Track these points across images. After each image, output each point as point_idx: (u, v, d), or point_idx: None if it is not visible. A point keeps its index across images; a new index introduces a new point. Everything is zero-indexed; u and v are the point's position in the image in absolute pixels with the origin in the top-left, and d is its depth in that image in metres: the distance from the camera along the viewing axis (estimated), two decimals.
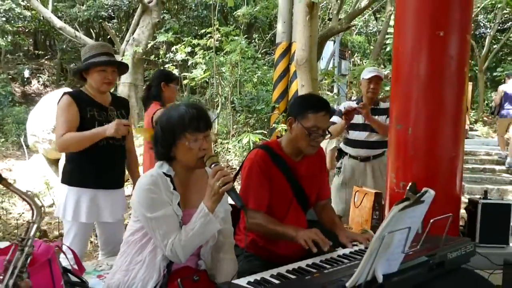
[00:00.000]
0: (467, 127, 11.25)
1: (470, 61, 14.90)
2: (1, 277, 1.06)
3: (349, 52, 18.24)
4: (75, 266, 1.70)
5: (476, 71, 14.38)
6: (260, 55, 11.92)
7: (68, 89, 7.75)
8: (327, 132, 2.06)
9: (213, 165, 1.61)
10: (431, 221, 1.64)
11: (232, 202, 1.69)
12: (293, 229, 1.92)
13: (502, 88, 8.50)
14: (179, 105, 1.71)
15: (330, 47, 14.07)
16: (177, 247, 1.55)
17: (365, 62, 14.04)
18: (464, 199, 3.20)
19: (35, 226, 1.13)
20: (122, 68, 2.61)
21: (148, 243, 1.65)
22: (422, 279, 1.58)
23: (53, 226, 5.10)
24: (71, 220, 2.42)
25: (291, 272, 1.53)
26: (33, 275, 1.20)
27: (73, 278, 1.72)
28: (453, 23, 2.66)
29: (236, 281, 1.42)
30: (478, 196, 2.93)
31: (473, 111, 13.56)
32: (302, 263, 1.63)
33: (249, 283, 1.41)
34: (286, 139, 2.14)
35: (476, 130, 12.40)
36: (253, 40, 14.11)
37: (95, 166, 2.43)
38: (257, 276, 1.47)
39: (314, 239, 1.77)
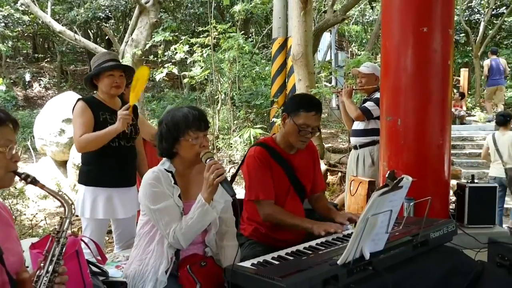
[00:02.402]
0: (464, 113, 11.44)
1: (466, 47, 15.00)
2: (42, 264, 1.26)
3: (347, 42, 18.36)
4: (98, 257, 1.89)
5: (472, 57, 14.49)
6: (257, 50, 12.06)
7: (73, 93, 7.95)
8: (317, 130, 2.22)
9: (207, 160, 1.79)
10: (411, 204, 1.83)
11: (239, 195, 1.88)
12: (309, 221, 2.10)
13: (486, 62, 10.20)
14: (182, 107, 1.91)
15: (327, 38, 14.20)
16: (179, 235, 1.73)
17: (362, 52, 14.14)
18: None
19: (68, 220, 1.32)
20: (128, 71, 2.78)
21: (156, 234, 1.84)
22: (407, 256, 1.76)
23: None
24: (89, 217, 2.61)
25: (290, 254, 1.72)
26: (64, 265, 1.39)
27: (94, 269, 1.92)
28: (436, 19, 2.83)
29: (241, 264, 1.61)
30: (465, 181, 3.10)
31: (470, 96, 13.69)
32: (300, 247, 1.82)
33: (253, 264, 1.60)
34: (279, 134, 2.32)
35: (474, 116, 12.51)
36: (250, 35, 14.23)
37: (109, 167, 2.62)
38: (260, 259, 1.66)
39: (329, 231, 1.94)
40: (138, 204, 2.73)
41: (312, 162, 2.41)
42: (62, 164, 7.25)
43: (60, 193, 1.36)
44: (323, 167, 6.75)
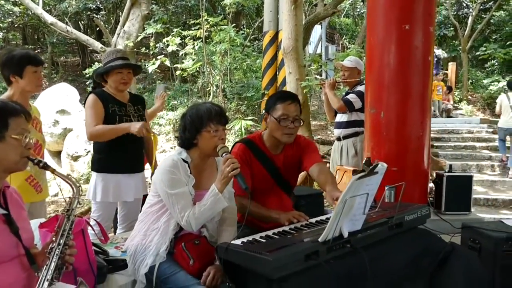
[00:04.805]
0: (450, 106, 11.69)
1: (454, 41, 15.20)
2: (54, 238, 1.41)
3: (338, 35, 18.50)
4: (101, 238, 2.05)
5: (460, 51, 14.72)
6: (248, 43, 12.16)
7: (67, 84, 8.01)
8: (298, 119, 2.31)
9: (224, 154, 1.96)
10: (386, 188, 2.01)
11: None
12: (276, 212, 2.23)
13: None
14: (205, 103, 2.10)
15: (318, 31, 14.32)
16: (191, 219, 1.89)
17: (352, 46, 14.30)
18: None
19: (76, 200, 1.48)
20: (136, 69, 3.00)
21: (163, 214, 2.00)
22: (383, 236, 1.94)
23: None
24: (100, 201, 2.80)
25: (276, 234, 1.88)
26: None
27: (96, 249, 2.08)
28: (417, 18, 2.99)
29: (232, 242, 1.76)
30: (443, 170, 3.28)
31: (458, 90, 13.94)
32: (286, 228, 1.99)
33: (242, 242, 1.75)
34: (266, 134, 2.43)
35: (461, 109, 12.77)
36: (242, 27, 14.29)
37: (118, 154, 2.81)
38: (249, 238, 1.82)
39: (293, 219, 2.06)
40: (145, 189, 2.96)
41: (298, 158, 2.45)
42: (56, 155, 7.35)
43: (69, 177, 1.51)
44: None
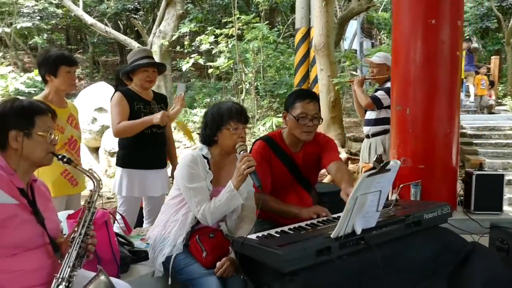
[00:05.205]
0: (492, 102, 11.20)
1: (497, 33, 14.50)
2: (76, 229, 1.52)
3: (375, 29, 18.12)
4: (125, 230, 2.16)
5: (504, 44, 14.06)
6: (282, 40, 12.15)
7: (105, 83, 8.33)
8: (317, 117, 2.33)
9: (241, 152, 2.02)
10: (401, 186, 1.99)
11: None
12: (297, 208, 2.27)
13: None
14: (227, 102, 2.18)
15: (354, 26, 14.13)
16: (207, 213, 1.97)
17: (387, 40, 13.98)
18: None
19: (96, 194, 1.59)
20: (161, 68, 3.11)
21: (182, 207, 2.08)
22: (400, 234, 1.92)
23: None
24: (125, 195, 2.93)
25: (291, 229, 1.91)
26: (94, 231, 1.64)
27: (122, 240, 2.19)
28: (444, 12, 2.92)
29: (248, 236, 1.81)
30: (474, 168, 3.19)
31: (501, 85, 13.34)
32: (302, 223, 2.01)
33: (257, 237, 1.80)
34: (286, 131, 2.46)
35: (505, 105, 12.20)
36: (277, 24, 14.30)
37: (143, 151, 2.92)
38: (265, 232, 1.86)
39: (316, 213, 2.13)
40: (169, 184, 3.07)
41: (317, 155, 2.47)
42: (95, 150, 7.67)
43: (90, 171, 1.61)
44: (344, 155, 6.85)
